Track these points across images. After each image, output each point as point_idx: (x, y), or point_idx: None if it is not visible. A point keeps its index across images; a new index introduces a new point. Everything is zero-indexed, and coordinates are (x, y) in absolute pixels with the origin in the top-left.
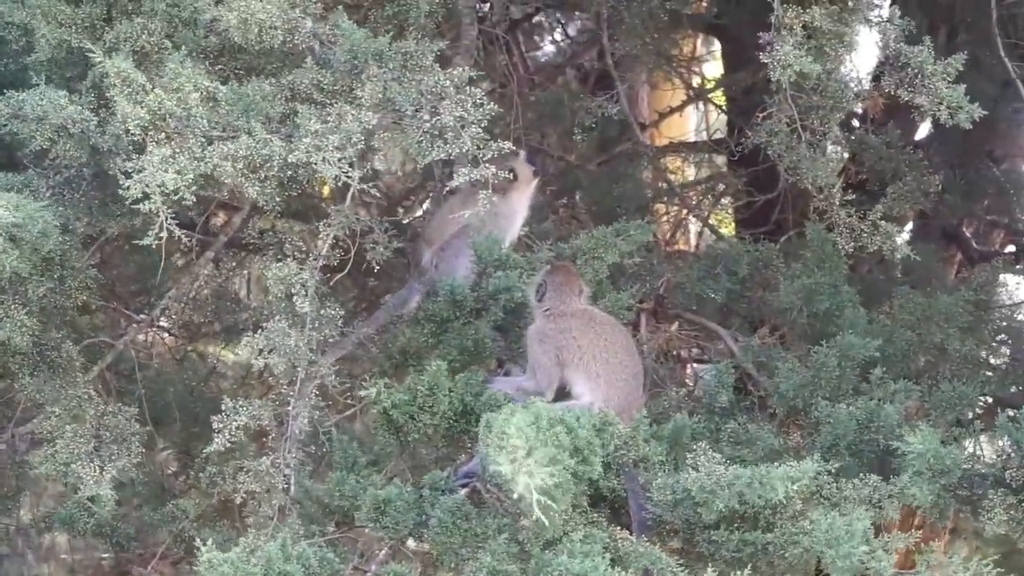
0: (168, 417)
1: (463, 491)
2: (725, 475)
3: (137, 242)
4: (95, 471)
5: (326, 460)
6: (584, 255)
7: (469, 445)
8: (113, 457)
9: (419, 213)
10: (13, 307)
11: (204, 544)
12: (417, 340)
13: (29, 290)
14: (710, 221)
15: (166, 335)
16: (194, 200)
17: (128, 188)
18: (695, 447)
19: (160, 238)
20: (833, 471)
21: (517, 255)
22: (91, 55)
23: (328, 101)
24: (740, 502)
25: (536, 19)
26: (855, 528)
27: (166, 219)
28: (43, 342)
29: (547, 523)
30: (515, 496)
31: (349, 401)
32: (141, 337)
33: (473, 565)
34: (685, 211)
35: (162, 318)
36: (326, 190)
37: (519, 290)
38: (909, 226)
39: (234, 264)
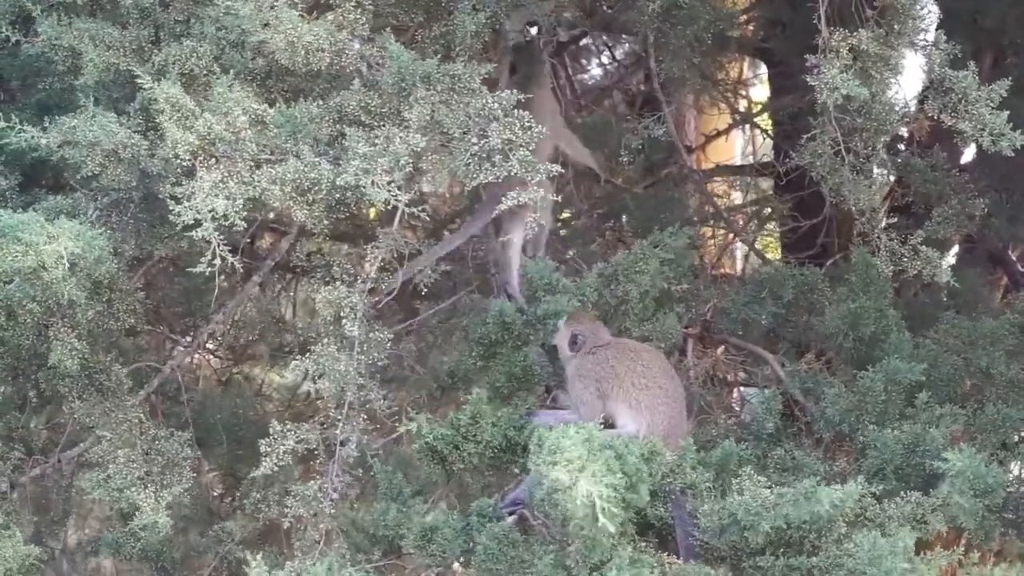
0: (213, 439)
1: (510, 519)
2: (770, 497)
3: (189, 269)
4: (151, 498)
5: (372, 484)
6: (625, 271)
7: (515, 473)
8: (166, 483)
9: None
10: (63, 331)
11: (253, 561)
12: (465, 364)
13: (78, 314)
14: (756, 245)
15: (212, 357)
16: (244, 226)
17: (179, 215)
18: (741, 472)
19: (213, 265)
20: (877, 493)
21: (566, 280)
22: (140, 81)
23: (376, 123)
24: (786, 523)
25: (583, 42)
26: (898, 547)
27: (218, 245)
28: (91, 365)
29: (610, 530)
30: (572, 506)
31: (396, 425)
32: (187, 359)
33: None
34: (731, 235)
35: (208, 341)
36: (373, 213)
37: (562, 315)
38: (955, 250)
39: (280, 287)
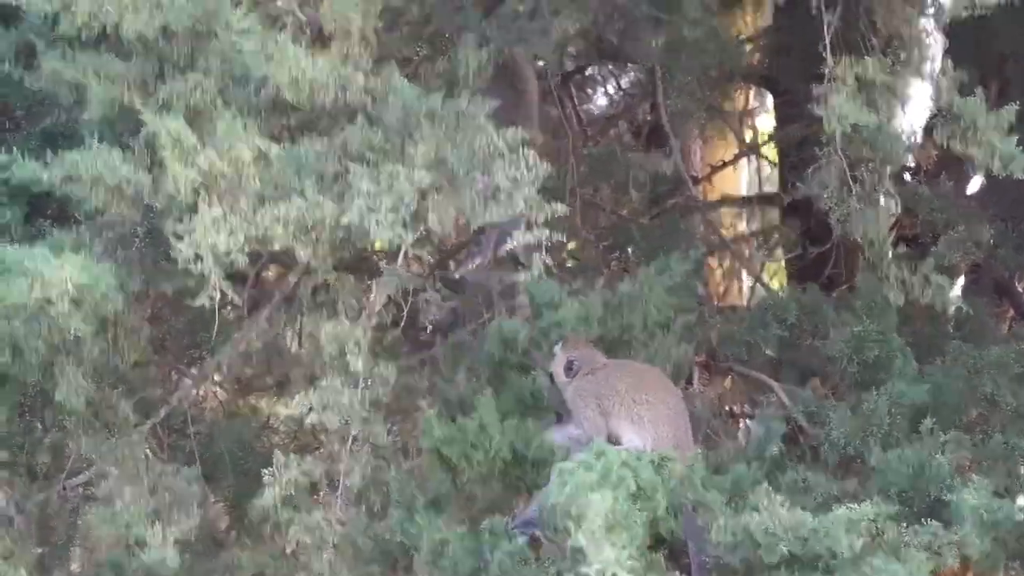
0: (219, 472)
1: (522, 539)
2: (788, 519)
3: (190, 303)
4: (158, 534)
5: (380, 503)
6: (630, 299)
7: (526, 491)
8: (174, 519)
9: (472, 267)
10: (68, 367)
11: None
12: (473, 388)
13: (84, 350)
14: (762, 275)
15: (218, 389)
16: (247, 260)
17: (179, 252)
18: (757, 489)
19: (212, 298)
20: (892, 515)
21: (571, 299)
22: (142, 116)
23: (380, 160)
24: (802, 548)
25: (588, 72)
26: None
27: (219, 280)
28: (98, 401)
29: None
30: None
31: (402, 459)
32: (193, 392)
33: None
34: (737, 264)
35: (215, 373)
36: (378, 243)
37: (566, 326)
38: (961, 280)
39: (285, 319)
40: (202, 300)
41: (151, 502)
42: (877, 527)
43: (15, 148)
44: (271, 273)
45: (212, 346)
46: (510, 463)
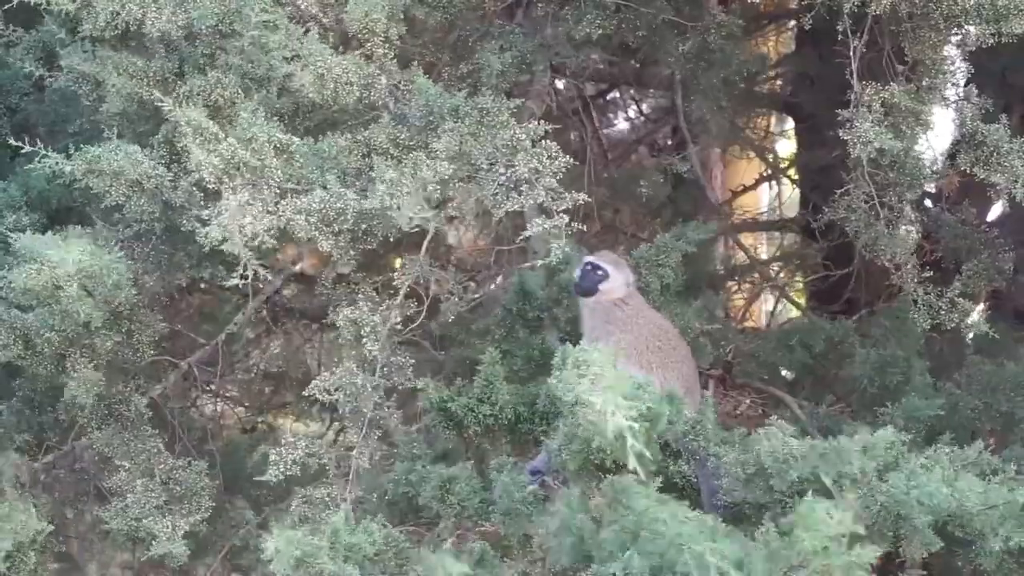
0: (238, 486)
1: (531, 487)
2: (800, 446)
3: (222, 282)
4: (167, 527)
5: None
6: (647, 262)
7: (533, 441)
8: (184, 512)
9: (492, 286)
10: (80, 361)
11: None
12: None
13: (97, 343)
14: (783, 299)
15: (239, 408)
16: (273, 248)
17: (206, 235)
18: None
19: (245, 277)
20: (910, 442)
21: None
22: (163, 107)
23: (403, 155)
24: (813, 475)
25: (610, 96)
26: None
27: (248, 260)
28: (110, 395)
29: (645, 454)
30: (599, 428)
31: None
32: (210, 408)
33: (540, 522)
34: (761, 285)
35: (231, 386)
36: (398, 263)
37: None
38: (981, 306)
39: (306, 337)
40: (235, 280)
41: (162, 495)
42: (894, 454)
43: (37, 142)
44: (292, 290)
45: (232, 361)
46: (517, 418)
